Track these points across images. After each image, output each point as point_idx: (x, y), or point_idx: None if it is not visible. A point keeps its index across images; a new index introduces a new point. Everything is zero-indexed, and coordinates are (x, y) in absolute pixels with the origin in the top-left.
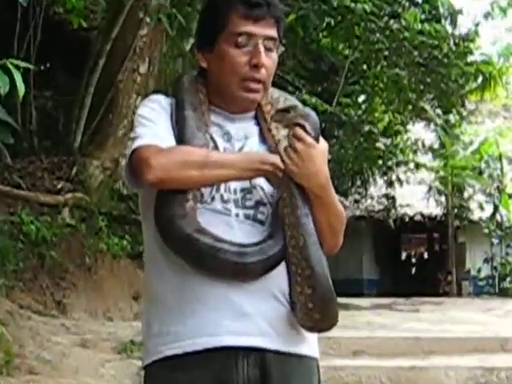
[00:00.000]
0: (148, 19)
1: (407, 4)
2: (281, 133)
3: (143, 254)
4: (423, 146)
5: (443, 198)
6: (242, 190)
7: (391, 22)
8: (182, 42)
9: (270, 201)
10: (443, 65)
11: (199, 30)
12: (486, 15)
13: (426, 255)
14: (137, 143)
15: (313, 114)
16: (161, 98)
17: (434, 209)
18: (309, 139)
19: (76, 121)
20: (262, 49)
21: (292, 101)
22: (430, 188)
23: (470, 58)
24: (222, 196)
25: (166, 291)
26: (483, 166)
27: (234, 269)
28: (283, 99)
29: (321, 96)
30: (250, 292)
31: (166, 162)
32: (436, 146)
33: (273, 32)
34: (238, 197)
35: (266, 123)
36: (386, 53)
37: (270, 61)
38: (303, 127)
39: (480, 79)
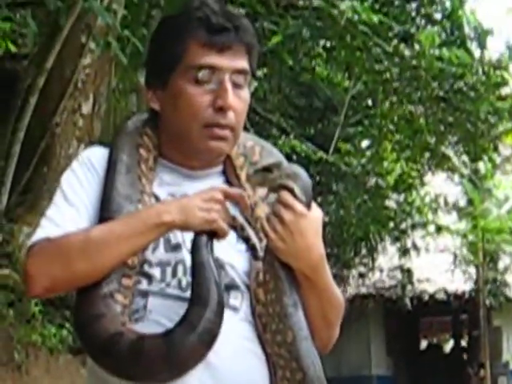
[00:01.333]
0: (92, 45)
1: (423, 22)
2: (258, 193)
3: None
4: (446, 203)
5: (473, 270)
6: None
7: (401, 45)
8: (135, 72)
9: (245, 282)
10: (469, 99)
11: (149, 62)
12: None
13: (451, 344)
14: (34, 237)
15: (303, 172)
16: (94, 154)
17: (461, 284)
18: (299, 207)
19: (0, 176)
20: (229, 86)
21: (271, 151)
22: (456, 257)
23: (503, 91)
24: (179, 281)
25: None
26: None
27: (166, 364)
28: (259, 149)
29: (314, 141)
30: None
31: (43, 264)
32: (462, 203)
33: (243, 63)
34: None
35: (239, 181)
36: (397, 85)
37: (239, 101)
38: (291, 191)
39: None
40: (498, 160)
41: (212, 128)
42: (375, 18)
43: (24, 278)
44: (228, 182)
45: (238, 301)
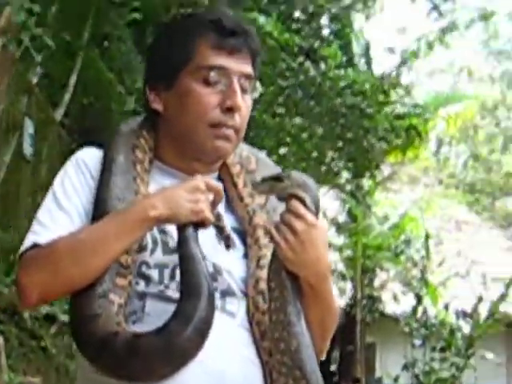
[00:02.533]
0: None
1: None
2: (256, 201)
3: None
4: (325, 217)
5: (349, 286)
6: None
7: (307, 63)
8: (27, 72)
9: (241, 288)
10: (367, 116)
11: (153, 61)
12: (412, 54)
13: (324, 358)
14: (26, 243)
15: (312, 182)
16: (88, 155)
17: (336, 299)
18: (310, 217)
19: None
20: (238, 88)
21: (266, 162)
22: (333, 272)
23: (401, 110)
24: (178, 284)
25: None
26: (402, 246)
27: (164, 359)
28: (255, 159)
29: None
30: None
31: (35, 274)
32: (341, 218)
33: (249, 68)
34: None
35: (236, 188)
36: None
37: (245, 105)
38: (302, 201)
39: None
40: (379, 177)
41: (219, 128)
42: (286, 35)
43: (18, 290)
44: (224, 189)
45: (235, 307)
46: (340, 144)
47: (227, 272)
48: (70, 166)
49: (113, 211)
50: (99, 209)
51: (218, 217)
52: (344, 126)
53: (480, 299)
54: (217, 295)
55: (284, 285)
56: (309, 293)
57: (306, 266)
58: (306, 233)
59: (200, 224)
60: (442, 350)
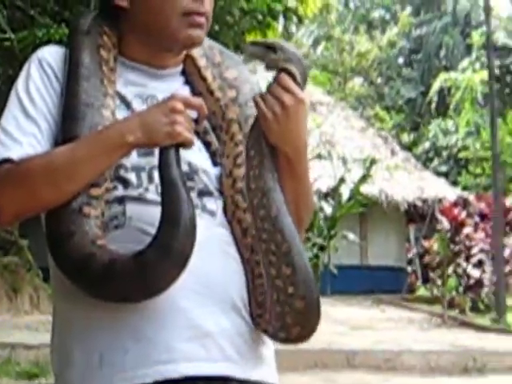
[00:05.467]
0: None
1: None
2: (228, 95)
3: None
4: None
5: None
6: None
7: None
8: None
9: (216, 187)
10: None
11: None
12: None
13: None
14: None
15: (302, 57)
16: (51, 55)
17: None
18: (300, 93)
19: None
20: None
21: (228, 53)
22: None
23: None
24: (157, 187)
25: (94, 308)
26: None
27: (139, 286)
28: (218, 51)
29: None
30: (208, 301)
31: (10, 193)
32: None
33: None
34: None
35: (205, 82)
36: None
37: None
38: (293, 76)
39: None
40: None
41: (191, 15)
42: None
43: None
44: (187, 82)
45: (214, 206)
46: (216, 28)
47: (203, 171)
48: (33, 67)
49: (84, 118)
50: (69, 117)
51: (205, 131)
52: (223, 8)
53: (342, 180)
54: (194, 195)
55: (264, 153)
56: (286, 168)
57: (288, 140)
58: (293, 107)
59: (181, 145)
60: (305, 230)
